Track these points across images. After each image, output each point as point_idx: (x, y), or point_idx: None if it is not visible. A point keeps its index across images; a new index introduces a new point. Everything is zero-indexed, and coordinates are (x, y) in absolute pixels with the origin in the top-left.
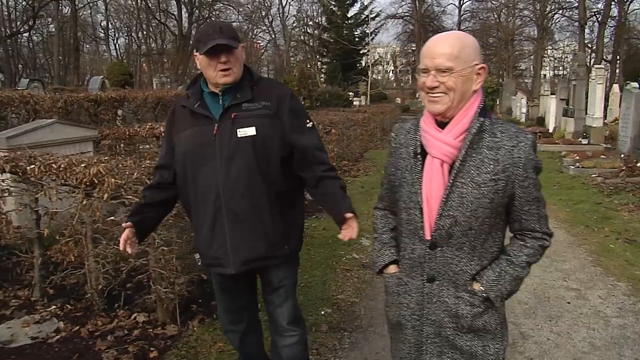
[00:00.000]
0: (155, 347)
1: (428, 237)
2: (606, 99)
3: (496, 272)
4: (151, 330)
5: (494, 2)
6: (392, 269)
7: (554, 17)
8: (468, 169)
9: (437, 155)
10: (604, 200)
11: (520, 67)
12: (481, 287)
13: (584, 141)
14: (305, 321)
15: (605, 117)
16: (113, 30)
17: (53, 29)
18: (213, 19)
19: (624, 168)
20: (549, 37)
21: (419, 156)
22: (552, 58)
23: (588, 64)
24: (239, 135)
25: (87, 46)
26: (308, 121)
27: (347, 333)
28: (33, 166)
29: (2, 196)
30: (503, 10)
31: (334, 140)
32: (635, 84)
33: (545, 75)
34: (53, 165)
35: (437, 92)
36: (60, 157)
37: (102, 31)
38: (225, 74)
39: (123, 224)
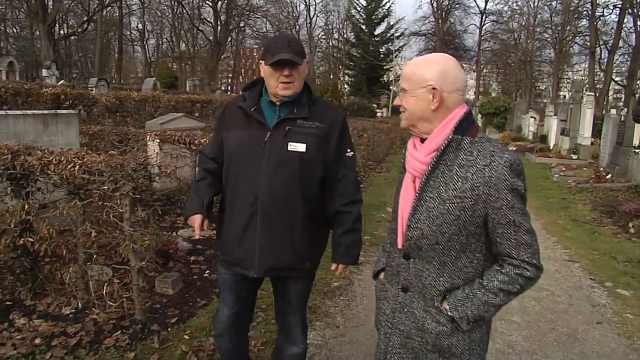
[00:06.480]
0: None
1: (400, 247)
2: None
3: (465, 293)
4: None
5: (513, 25)
6: (382, 275)
7: (570, 42)
8: (437, 184)
9: (410, 170)
10: (568, 197)
11: (540, 87)
12: (447, 306)
13: (574, 156)
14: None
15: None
16: (145, 32)
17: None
18: (243, 26)
19: (593, 176)
20: (566, 60)
21: (404, 170)
22: (569, 80)
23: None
24: (289, 149)
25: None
26: (349, 150)
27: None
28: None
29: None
30: (522, 32)
31: (364, 143)
32: (625, 110)
33: (565, 96)
34: None
35: (401, 111)
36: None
37: (138, 33)
38: (285, 87)
39: (197, 218)
